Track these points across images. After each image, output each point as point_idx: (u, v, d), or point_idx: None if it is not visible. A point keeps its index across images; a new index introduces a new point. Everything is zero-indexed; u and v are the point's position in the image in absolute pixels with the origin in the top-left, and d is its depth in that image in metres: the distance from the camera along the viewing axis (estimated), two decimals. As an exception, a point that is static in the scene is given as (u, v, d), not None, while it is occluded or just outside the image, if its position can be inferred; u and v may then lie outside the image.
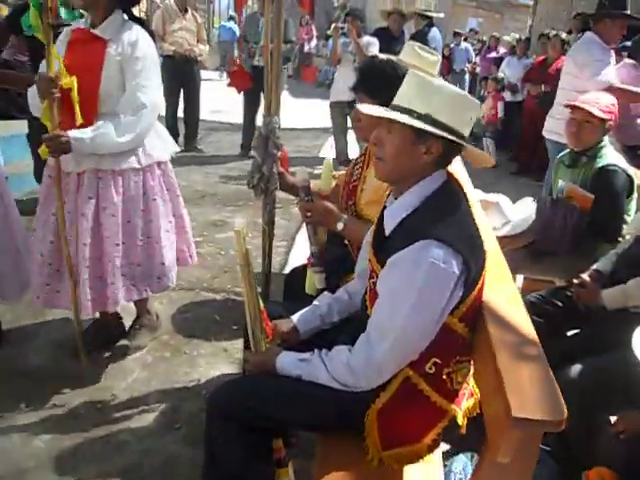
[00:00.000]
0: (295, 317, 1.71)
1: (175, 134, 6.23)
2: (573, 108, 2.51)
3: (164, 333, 2.78)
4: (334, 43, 5.07)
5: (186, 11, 5.71)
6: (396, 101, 1.37)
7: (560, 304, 2.20)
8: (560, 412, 1.01)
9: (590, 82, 3.39)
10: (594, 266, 2.23)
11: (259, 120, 6.14)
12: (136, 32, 2.15)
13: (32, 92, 2.11)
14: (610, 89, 3.14)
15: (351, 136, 5.87)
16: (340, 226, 1.90)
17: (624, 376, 1.69)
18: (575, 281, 2.20)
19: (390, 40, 5.42)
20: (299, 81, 12.75)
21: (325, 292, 1.80)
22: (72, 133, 1.98)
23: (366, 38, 5.22)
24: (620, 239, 2.35)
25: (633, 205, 2.38)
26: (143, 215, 2.30)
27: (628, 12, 3.48)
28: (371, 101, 1.78)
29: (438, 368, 1.39)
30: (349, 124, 5.74)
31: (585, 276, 2.16)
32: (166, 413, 2.24)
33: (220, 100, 8.29)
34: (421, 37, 5.42)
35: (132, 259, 2.30)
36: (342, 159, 5.83)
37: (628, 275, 2.04)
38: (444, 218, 1.32)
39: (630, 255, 2.14)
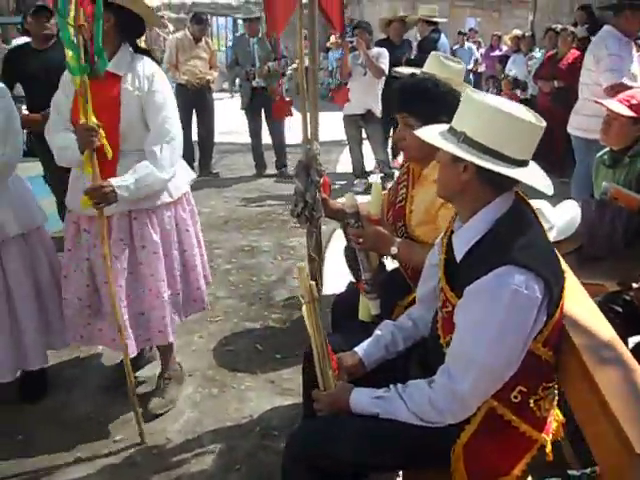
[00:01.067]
0: (359, 349, 1.65)
1: (191, 160, 6.26)
2: (602, 104, 2.46)
3: (208, 368, 2.73)
4: (344, 57, 5.06)
5: (200, 40, 5.74)
6: (453, 122, 1.35)
7: (620, 309, 2.12)
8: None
9: (603, 76, 3.33)
10: (653, 268, 2.16)
11: (264, 137, 6.18)
12: (149, 65, 2.15)
13: (49, 137, 2.11)
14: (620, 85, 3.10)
15: (366, 148, 5.84)
16: (394, 250, 1.85)
17: None
18: (635, 285, 2.13)
19: (393, 49, 5.42)
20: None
21: (386, 320, 1.75)
22: (115, 181, 1.96)
23: (375, 49, 5.21)
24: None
25: (686, 203, 2.31)
26: (178, 247, 2.32)
27: None
28: (416, 121, 1.75)
29: (524, 396, 1.33)
30: (363, 135, 5.72)
31: (646, 280, 2.10)
32: (223, 454, 2.18)
33: (230, 121, 8.31)
34: (431, 44, 5.41)
35: (173, 289, 2.32)
36: (359, 171, 5.80)
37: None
38: (519, 241, 1.27)
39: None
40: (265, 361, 2.79)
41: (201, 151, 6.35)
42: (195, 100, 5.79)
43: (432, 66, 2.71)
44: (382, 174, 5.95)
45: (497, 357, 1.25)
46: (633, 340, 2.14)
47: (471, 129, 1.27)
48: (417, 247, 1.87)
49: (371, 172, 6.24)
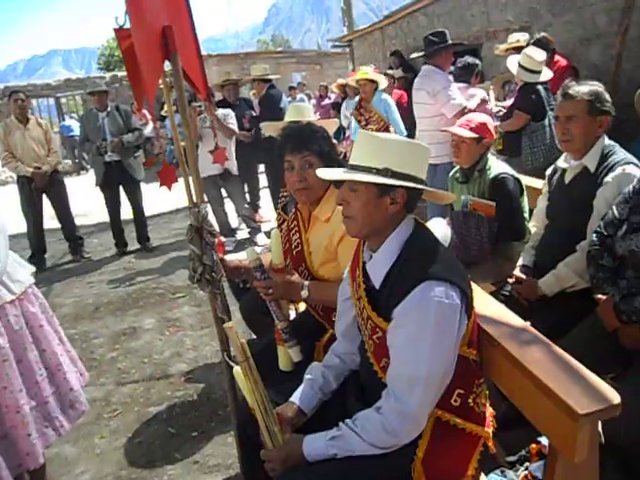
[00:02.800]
0: (295, 398, 1.64)
1: (42, 250, 5.74)
2: (449, 131, 2.81)
3: (120, 469, 2.47)
4: (192, 121, 5.08)
5: (27, 121, 5.34)
6: (353, 161, 1.43)
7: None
8: (613, 394, 1.10)
9: (446, 107, 3.85)
10: (519, 262, 2.47)
11: (123, 214, 5.90)
12: None
13: None
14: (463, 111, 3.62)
15: (229, 206, 5.87)
16: (305, 294, 1.89)
17: (592, 342, 1.89)
18: (510, 280, 2.42)
19: (232, 108, 5.64)
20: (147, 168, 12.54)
21: (314, 363, 1.76)
22: None
23: (220, 111, 5.33)
24: (527, 234, 2.63)
25: (526, 203, 2.69)
26: (35, 347, 2.07)
27: (451, 42, 4.13)
28: (317, 159, 1.86)
29: (463, 398, 1.43)
30: (224, 194, 5.76)
31: (518, 273, 2.39)
32: None
33: (81, 202, 7.80)
34: (271, 99, 5.70)
35: (38, 399, 2.04)
36: (226, 230, 5.79)
37: (548, 261, 2.29)
38: (430, 257, 1.39)
39: (545, 244, 2.41)
40: (182, 443, 2.60)
41: (67, 238, 5.93)
42: (45, 187, 5.38)
43: (292, 115, 2.90)
44: (249, 229, 6.02)
45: (437, 368, 1.33)
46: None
47: (394, 163, 1.37)
48: (326, 286, 1.93)
49: (236, 229, 6.28)
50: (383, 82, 5.28)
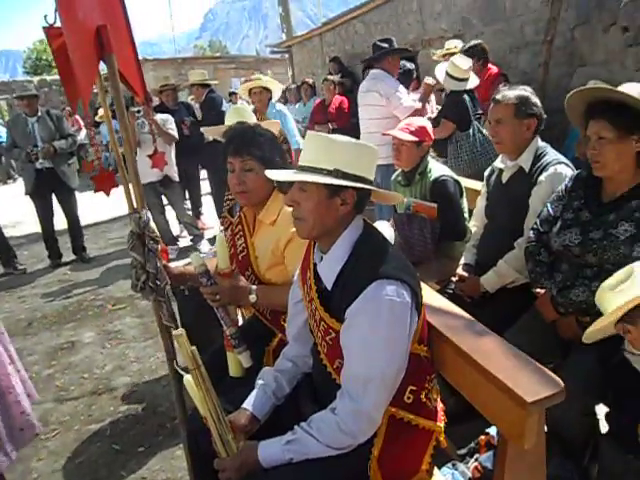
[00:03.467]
0: (248, 405, 1.61)
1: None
2: (390, 135, 2.86)
3: (61, 490, 2.34)
4: (130, 126, 4.91)
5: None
6: (303, 162, 1.42)
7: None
8: (557, 382, 1.15)
9: (398, 110, 3.94)
10: (462, 261, 2.55)
11: (58, 224, 5.64)
12: None
13: None
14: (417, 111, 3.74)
15: (170, 214, 5.73)
16: (253, 298, 1.86)
17: (532, 335, 1.97)
18: (454, 279, 2.48)
19: (171, 113, 5.52)
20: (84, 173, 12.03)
21: (265, 368, 1.73)
22: None
23: (159, 116, 5.20)
24: (468, 233, 2.71)
25: (465, 203, 2.78)
26: None
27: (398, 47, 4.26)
28: (258, 163, 1.85)
29: (416, 394, 1.45)
30: (165, 202, 5.61)
31: (461, 271, 2.46)
32: None
33: (9, 213, 7.36)
34: (212, 103, 5.63)
35: None
36: (168, 238, 5.64)
37: (489, 259, 2.37)
38: (380, 257, 1.40)
39: (485, 242, 2.50)
40: (128, 459, 2.50)
41: None
42: None
43: (234, 116, 2.86)
44: (191, 236, 5.90)
45: (390, 366, 1.34)
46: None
47: (343, 164, 1.37)
48: (274, 290, 1.91)
49: (178, 236, 6.14)
50: (277, 90, 4.82)
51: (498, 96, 2.25)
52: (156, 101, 6.14)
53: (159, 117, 5.16)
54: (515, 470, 1.22)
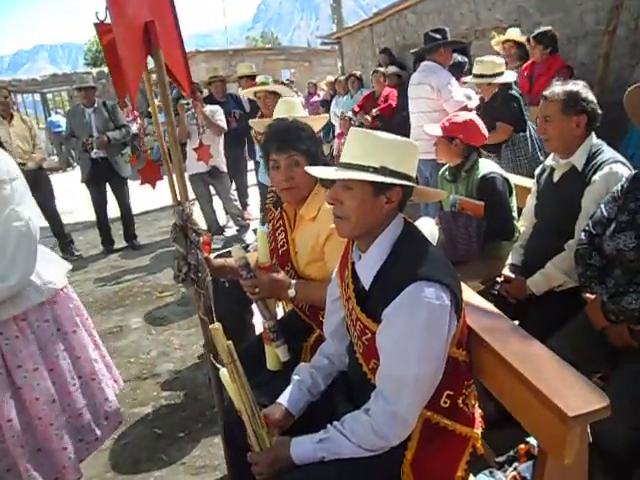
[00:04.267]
0: (283, 399, 1.61)
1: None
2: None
3: (105, 472, 2.43)
4: (180, 118, 5.03)
5: (12, 117, 5.25)
6: (346, 159, 1.39)
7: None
8: (602, 396, 1.09)
9: (448, 103, 3.85)
10: (508, 261, 2.47)
11: (110, 212, 5.83)
12: None
13: None
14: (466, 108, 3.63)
15: (217, 203, 5.83)
16: (292, 293, 1.87)
17: (581, 341, 1.89)
18: (499, 279, 2.41)
19: (219, 105, 5.58)
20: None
21: (302, 364, 1.74)
22: None
23: (209, 108, 5.27)
24: (516, 233, 2.62)
25: (515, 202, 2.69)
26: (67, 354, 1.98)
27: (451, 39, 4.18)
28: (304, 157, 1.84)
29: (453, 399, 1.42)
30: (212, 192, 5.71)
31: (507, 272, 2.38)
32: None
33: (68, 198, 7.68)
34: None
35: (71, 411, 1.96)
36: (214, 228, 5.74)
37: (537, 260, 2.29)
38: (420, 257, 1.37)
39: (534, 242, 2.41)
40: (169, 444, 2.57)
41: (56, 235, 5.82)
42: (30, 184, 5.26)
43: (283, 110, 2.86)
44: (237, 227, 5.98)
45: (426, 369, 1.31)
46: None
47: (390, 161, 1.35)
48: (313, 285, 1.90)
49: (224, 226, 6.24)
50: (287, 93, 4.03)
51: (546, 92, 2.16)
52: (205, 93, 6.25)
53: (208, 108, 5.24)
54: (554, 485, 1.18)
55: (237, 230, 6.00)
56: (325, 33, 11.91)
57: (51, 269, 2.05)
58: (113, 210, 5.96)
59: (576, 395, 1.11)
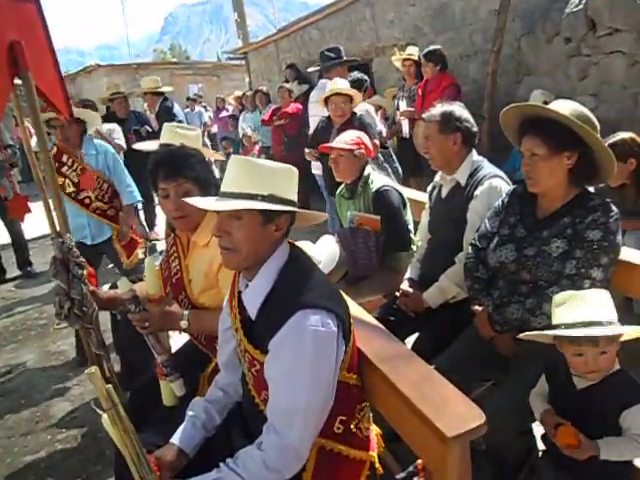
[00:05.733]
0: (176, 438, 1.53)
1: None
2: (329, 150, 2.84)
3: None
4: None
5: None
6: (230, 188, 1.35)
7: (393, 318, 2.41)
8: (479, 414, 1.12)
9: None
10: (406, 275, 2.53)
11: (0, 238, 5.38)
12: None
13: None
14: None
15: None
16: (184, 324, 1.79)
17: (473, 352, 1.96)
18: (397, 294, 2.46)
19: (119, 123, 5.37)
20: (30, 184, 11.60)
21: (195, 398, 1.66)
22: None
23: (105, 125, 5.04)
24: (415, 248, 2.70)
25: (409, 215, 2.77)
26: None
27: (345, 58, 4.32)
28: (194, 185, 1.78)
29: (345, 424, 1.41)
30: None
31: (405, 287, 2.44)
32: None
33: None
34: (168, 113, 5.48)
35: None
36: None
37: (433, 274, 2.36)
38: (304, 285, 1.35)
39: (428, 257, 2.49)
40: (64, 493, 2.38)
41: None
42: None
43: (169, 136, 2.74)
44: (144, 248, 5.73)
45: (316, 398, 1.29)
46: (410, 339, 2.45)
47: (278, 189, 1.34)
48: (207, 315, 1.84)
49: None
50: (94, 122, 3.59)
51: (425, 115, 2.31)
52: (103, 111, 5.96)
53: (105, 127, 5.00)
54: (440, 504, 1.19)
55: (143, 253, 5.75)
56: (232, 48, 11.83)
57: None
58: (3, 236, 5.51)
59: (455, 414, 1.13)
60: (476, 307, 2.12)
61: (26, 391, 3.29)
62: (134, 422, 1.86)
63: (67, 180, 3.34)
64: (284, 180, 1.38)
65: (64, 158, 3.36)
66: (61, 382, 3.36)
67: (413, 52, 5.31)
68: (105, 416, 1.36)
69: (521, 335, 1.63)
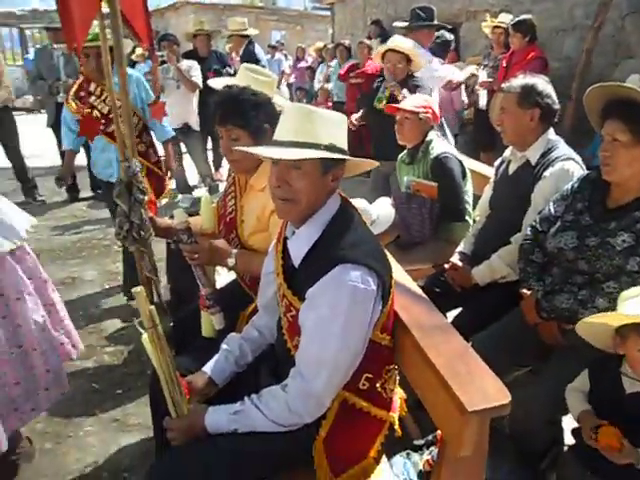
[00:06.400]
0: (208, 368, 1.60)
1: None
2: (395, 110, 2.77)
3: (36, 421, 2.40)
4: (153, 72, 4.85)
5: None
6: (290, 136, 1.33)
7: (438, 290, 2.37)
8: (505, 394, 1.11)
9: (430, 80, 3.80)
10: (458, 249, 2.48)
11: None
12: None
13: None
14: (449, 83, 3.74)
15: (187, 162, 5.71)
16: (231, 262, 1.84)
17: (515, 336, 1.92)
18: (446, 266, 2.42)
19: (201, 62, 5.40)
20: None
21: (232, 334, 1.72)
22: None
23: (185, 62, 5.11)
24: (471, 221, 2.63)
25: (469, 186, 2.69)
26: (7, 322, 1.85)
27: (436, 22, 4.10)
28: (243, 132, 1.77)
29: (371, 382, 1.42)
30: (183, 149, 5.58)
31: (455, 260, 2.39)
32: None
33: (33, 142, 7.42)
34: (250, 57, 5.45)
35: (6, 379, 1.85)
36: (183, 187, 5.64)
37: (486, 251, 2.30)
38: (350, 240, 1.34)
39: (484, 233, 2.41)
40: (104, 399, 2.56)
41: (18, 178, 5.64)
42: None
43: (243, 79, 2.74)
44: (207, 187, 5.89)
45: (345, 352, 1.31)
46: (452, 314, 2.42)
47: (337, 139, 1.34)
48: (254, 256, 1.88)
49: (195, 186, 6.13)
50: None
51: (505, 85, 2.17)
52: (189, 46, 6.01)
53: (184, 63, 5.07)
54: (450, 474, 1.20)
55: (207, 190, 5.91)
56: (321, -3, 11.56)
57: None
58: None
59: (480, 391, 1.12)
60: (524, 291, 2.05)
61: (84, 304, 3.53)
62: (174, 347, 1.98)
63: (95, 111, 3.03)
64: (340, 129, 1.37)
65: (92, 87, 3.11)
66: (115, 300, 3.57)
67: (505, 20, 5.01)
68: (145, 335, 1.44)
69: (581, 321, 1.55)
